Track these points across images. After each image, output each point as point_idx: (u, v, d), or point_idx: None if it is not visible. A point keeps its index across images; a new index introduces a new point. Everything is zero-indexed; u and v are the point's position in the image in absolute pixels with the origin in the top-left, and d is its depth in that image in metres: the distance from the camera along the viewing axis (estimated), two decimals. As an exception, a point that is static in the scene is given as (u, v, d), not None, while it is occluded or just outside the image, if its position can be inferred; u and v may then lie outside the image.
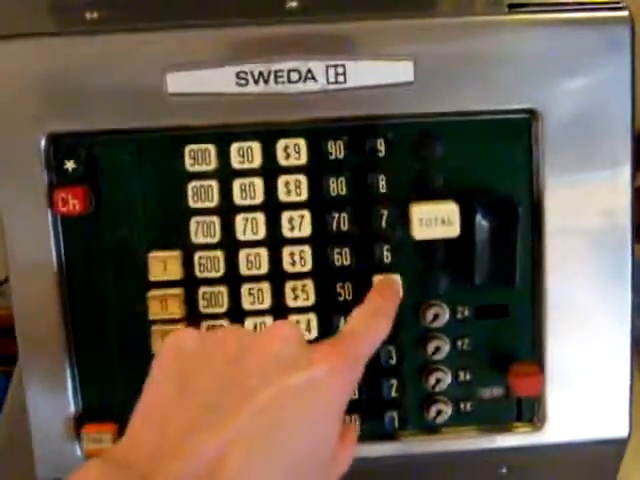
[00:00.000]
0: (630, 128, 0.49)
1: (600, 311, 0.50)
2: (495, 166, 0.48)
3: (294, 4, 0.48)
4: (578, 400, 0.51)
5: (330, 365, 0.37)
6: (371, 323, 0.41)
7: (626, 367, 0.51)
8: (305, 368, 0.36)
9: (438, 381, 0.50)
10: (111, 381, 0.49)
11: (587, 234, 0.50)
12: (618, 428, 0.52)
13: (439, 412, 0.50)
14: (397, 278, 0.48)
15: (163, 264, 0.48)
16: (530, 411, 0.51)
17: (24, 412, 0.49)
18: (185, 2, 0.49)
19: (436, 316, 0.49)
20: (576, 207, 0.49)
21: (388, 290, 0.45)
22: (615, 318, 0.51)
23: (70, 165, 0.47)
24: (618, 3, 0.49)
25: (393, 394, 0.49)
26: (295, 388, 0.36)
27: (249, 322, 0.48)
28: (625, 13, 0.49)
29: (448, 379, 0.50)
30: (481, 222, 0.47)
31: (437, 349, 0.49)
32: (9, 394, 0.62)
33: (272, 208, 0.47)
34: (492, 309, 0.50)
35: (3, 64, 0.46)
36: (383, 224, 0.48)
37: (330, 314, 0.48)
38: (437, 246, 0.48)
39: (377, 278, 0.48)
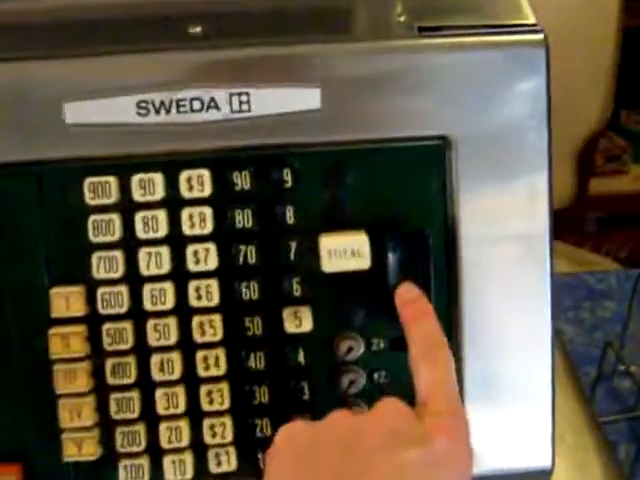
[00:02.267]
0: (547, 153, 0.48)
1: (520, 340, 0.49)
2: (407, 195, 0.47)
3: (197, 29, 0.46)
4: (500, 431, 0.50)
5: (447, 434, 0.37)
6: (434, 366, 0.41)
7: (548, 395, 0.50)
8: (424, 443, 0.37)
9: (354, 415, 0.48)
10: (15, 422, 0.47)
11: (505, 261, 0.49)
12: (541, 458, 0.51)
13: (356, 447, 0.49)
14: (411, 286, 0.45)
15: (65, 300, 0.46)
16: (452, 442, 0.50)
17: None
18: (84, 29, 0.47)
19: (350, 349, 0.48)
20: (492, 234, 0.48)
21: (414, 307, 0.44)
22: (536, 347, 0.50)
23: (-34, 199, 0.45)
24: (534, 25, 0.48)
25: (307, 430, 0.48)
26: (417, 462, 0.36)
27: (155, 359, 0.46)
28: (540, 36, 0.48)
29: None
30: (392, 255, 0.45)
31: (352, 382, 0.48)
32: None
33: (176, 241, 0.46)
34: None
35: None
36: (292, 256, 0.46)
37: (239, 349, 0.47)
38: (349, 278, 0.47)
39: (399, 292, 0.45)
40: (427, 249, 0.46)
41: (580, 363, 0.76)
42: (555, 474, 0.52)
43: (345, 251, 0.45)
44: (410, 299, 0.44)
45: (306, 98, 0.45)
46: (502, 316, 0.49)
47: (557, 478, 0.53)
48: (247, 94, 0.45)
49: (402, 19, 0.48)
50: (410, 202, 0.47)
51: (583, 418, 0.67)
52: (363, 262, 0.45)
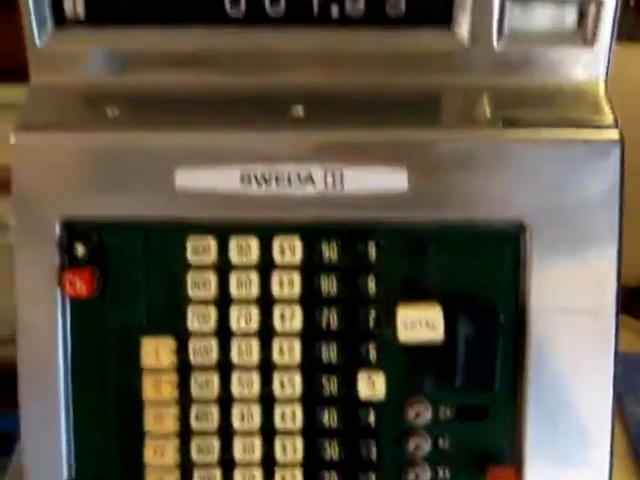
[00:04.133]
0: (617, 244, 0.51)
1: (581, 419, 0.52)
2: (482, 274, 0.50)
3: (299, 111, 0.51)
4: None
5: None
6: None
7: (605, 470, 0.52)
8: None
9: (417, 477, 0.51)
10: (104, 452, 0.52)
11: (571, 336, 0.51)
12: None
13: (418, 508, 0.51)
14: None
15: (155, 350, 0.50)
16: (509, 512, 0.52)
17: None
18: (201, 104, 0.52)
19: (418, 414, 0.51)
20: (560, 317, 0.51)
21: None
22: (597, 424, 0.52)
23: (80, 249, 0.50)
24: (611, 122, 0.51)
25: (372, 488, 0.51)
26: None
27: (237, 409, 0.50)
28: (615, 134, 0.51)
29: (427, 476, 0.51)
30: (463, 329, 0.49)
31: (417, 446, 0.51)
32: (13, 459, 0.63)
33: (265, 301, 0.50)
34: (473, 411, 0.51)
35: (28, 153, 0.50)
36: (371, 323, 0.50)
37: (315, 406, 0.50)
38: (423, 347, 0.50)
39: None
40: (497, 324, 0.49)
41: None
42: None
43: (420, 322, 0.49)
44: None
45: (394, 179, 0.49)
46: (566, 390, 0.51)
47: None
48: (341, 173, 0.49)
49: (487, 110, 0.52)
50: (484, 279, 0.50)
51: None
52: (436, 333, 0.49)
